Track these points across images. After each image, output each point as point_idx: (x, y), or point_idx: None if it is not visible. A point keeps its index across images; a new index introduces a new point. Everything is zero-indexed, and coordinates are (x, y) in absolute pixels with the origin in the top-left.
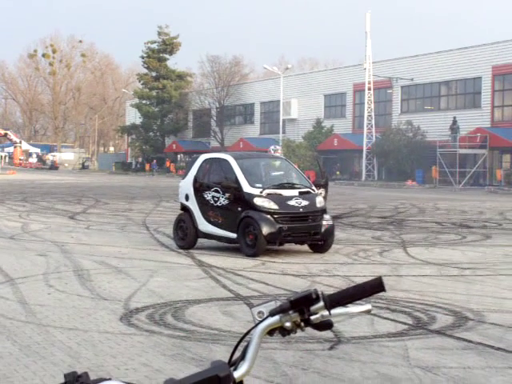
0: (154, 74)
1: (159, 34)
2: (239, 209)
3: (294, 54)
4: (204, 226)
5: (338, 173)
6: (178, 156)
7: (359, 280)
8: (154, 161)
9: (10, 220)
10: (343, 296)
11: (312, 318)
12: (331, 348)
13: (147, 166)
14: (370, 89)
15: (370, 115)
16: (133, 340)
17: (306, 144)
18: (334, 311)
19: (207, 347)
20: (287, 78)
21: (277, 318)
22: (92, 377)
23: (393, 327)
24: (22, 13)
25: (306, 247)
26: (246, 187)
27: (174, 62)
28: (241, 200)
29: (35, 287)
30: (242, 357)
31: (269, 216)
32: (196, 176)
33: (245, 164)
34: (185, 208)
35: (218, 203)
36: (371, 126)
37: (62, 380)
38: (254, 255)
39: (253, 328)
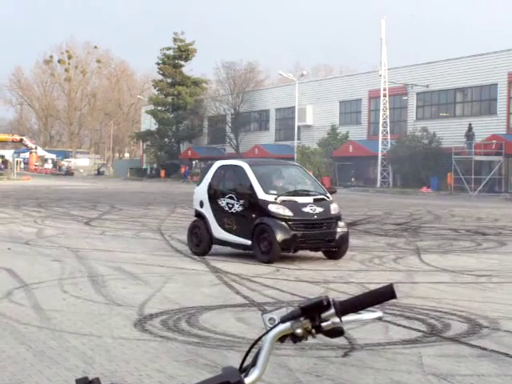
0: (169, 80)
1: (175, 40)
2: (254, 215)
3: (309, 60)
4: (218, 232)
5: (353, 179)
6: (193, 162)
7: (374, 287)
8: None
9: (25, 225)
10: (354, 303)
11: (323, 324)
12: (345, 355)
13: (162, 173)
14: (385, 95)
15: (385, 122)
16: (147, 346)
17: (321, 150)
18: (345, 318)
19: (221, 353)
20: (302, 85)
21: (288, 324)
22: (105, 382)
23: (407, 334)
24: (37, 19)
25: (320, 254)
26: (261, 194)
27: (190, 69)
28: (255, 207)
29: (50, 293)
30: (253, 363)
31: (283, 223)
32: (211, 183)
33: (259, 171)
34: (199, 215)
35: (232, 210)
36: (386, 133)
37: None
38: (268, 262)
39: (264, 334)
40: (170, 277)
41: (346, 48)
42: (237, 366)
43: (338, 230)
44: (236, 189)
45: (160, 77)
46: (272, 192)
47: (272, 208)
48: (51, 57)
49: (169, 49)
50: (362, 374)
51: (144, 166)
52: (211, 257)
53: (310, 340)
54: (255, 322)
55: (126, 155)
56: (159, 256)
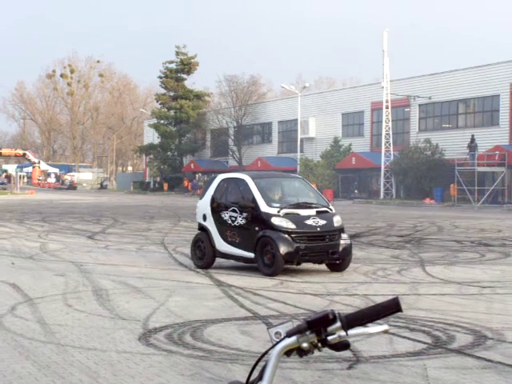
0: (171, 93)
1: (177, 53)
2: (257, 228)
3: (312, 73)
4: (222, 245)
5: (356, 191)
6: (196, 175)
7: (378, 299)
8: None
9: (29, 240)
10: (360, 316)
11: (329, 338)
12: (350, 367)
13: (165, 186)
14: (387, 107)
15: (387, 133)
16: (151, 360)
17: (324, 163)
18: (351, 331)
19: (226, 367)
20: (305, 97)
21: (294, 338)
22: None
23: (412, 346)
24: (40, 33)
25: (324, 266)
26: (264, 207)
27: (192, 82)
28: (258, 220)
29: (54, 307)
30: (260, 377)
31: (286, 235)
32: (213, 196)
33: (262, 183)
34: (202, 228)
35: (235, 223)
36: (389, 145)
37: None
38: (271, 274)
39: (270, 349)
40: (174, 290)
41: (348, 60)
42: (242, 379)
43: (342, 242)
44: (239, 202)
45: (162, 90)
46: (275, 205)
47: (275, 221)
48: (54, 71)
49: (171, 62)
50: None
51: (147, 180)
52: (215, 270)
53: (315, 352)
54: (260, 335)
55: (129, 169)
56: (163, 269)
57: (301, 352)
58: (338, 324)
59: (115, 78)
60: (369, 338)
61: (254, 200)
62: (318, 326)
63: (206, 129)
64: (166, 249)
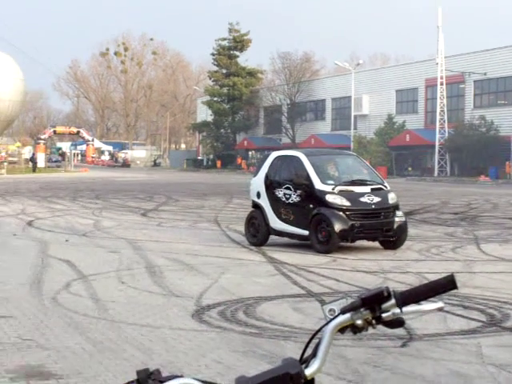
0: (224, 71)
1: (230, 31)
2: (311, 206)
3: (365, 49)
4: (275, 223)
5: (409, 169)
6: (249, 153)
7: (432, 277)
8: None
9: (82, 217)
10: (415, 294)
11: (383, 315)
12: (403, 345)
13: (218, 163)
14: (442, 84)
15: (442, 110)
16: (204, 337)
17: (378, 140)
18: (405, 309)
19: (279, 344)
20: (358, 74)
21: (348, 315)
22: (164, 373)
23: (465, 324)
24: (93, 12)
25: (377, 244)
26: (318, 184)
27: (245, 59)
28: (312, 197)
29: (107, 284)
30: (314, 354)
31: (341, 213)
32: (267, 173)
33: (316, 161)
34: (256, 205)
35: (289, 200)
36: (443, 122)
37: (135, 376)
38: (326, 252)
39: (324, 326)
40: (226, 267)
41: (402, 36)
42: (295, 356)
43: (396, 219)
44: (293, 179)
45: (215, 68)
46: (329, 182)
47: (329, 198)
48: (107, 49)
49: (224, 39)
50: (420, 365)
51: (200, 157)
52: (268, 247)
53: (369, 330)
54: (313, 312)
55: (183, 146)
56: (216, 247)
57: (355, 329)
58: (393, 301)
59: (168, 55)
60: (422, 315)
61: (308, 177)
62: (373, 303)
63: (259, 106)
64: (219, 226)
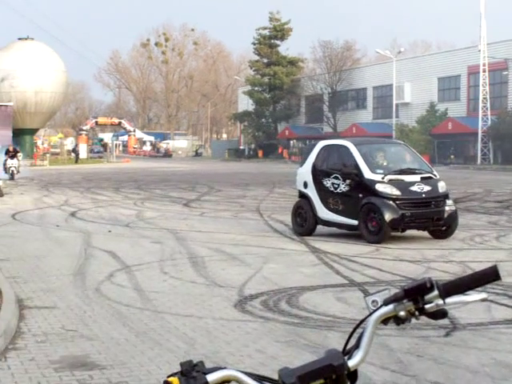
0: (265, 60)
1: (270, 20)
2: (360, 195)
3: (406, 37)
4: (324, 213)
5: (452, 157)
6: (291, 142)
7: (475, 266)
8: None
9: (125, 208)
10: (458, 285)
11: (426, 306)
12: (447, 335)
13: (260, 153)
14: (484, 71)
15: (485, 98)
16: (247, 327)
17: (420, 128)
18: (448, 300)
19: (321, 334)
20: (400, 62)
21: (391, 307)
22: (207, 363)
23: (510, 314)
24: (134, 3)
25: (420, 233)
26: (367, 173)
27: (286, 48)
28: (362, 186)
29: (150, 274)
30: (357, 345)
31: (391, 202)
32: (314, 163)
33: (364, 150)
34: (303, 195)
35: (338, 190)
36: (486, 109)
37: (178, 368)
38: (377, 242)
39: (367, 317)
40: (269, 257)
41: (444, 24)
42: (338, 346)
43: (447, 208)
44: (341, 169)
45: (256, 57)
46: (378, 171)
47: (379, 187)
48: (148, 40)
49: (264, 28)
50: (464, 354)
51: (242, 147)
52: (310, 237)
53: (412, 321)
54: (355, 301)
55: (224, 136)
56: (258, 236)
57: (398, 320)
58: (436, 292)
59: (209, 45)
60: (466, 305)
61: (357, 167)
62: (416, 294)
63: (301, 95)
64: (262, 216)
